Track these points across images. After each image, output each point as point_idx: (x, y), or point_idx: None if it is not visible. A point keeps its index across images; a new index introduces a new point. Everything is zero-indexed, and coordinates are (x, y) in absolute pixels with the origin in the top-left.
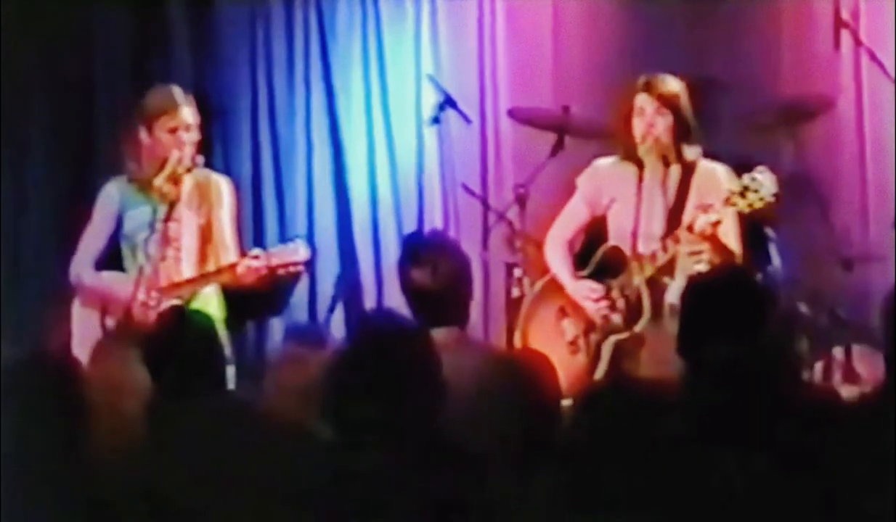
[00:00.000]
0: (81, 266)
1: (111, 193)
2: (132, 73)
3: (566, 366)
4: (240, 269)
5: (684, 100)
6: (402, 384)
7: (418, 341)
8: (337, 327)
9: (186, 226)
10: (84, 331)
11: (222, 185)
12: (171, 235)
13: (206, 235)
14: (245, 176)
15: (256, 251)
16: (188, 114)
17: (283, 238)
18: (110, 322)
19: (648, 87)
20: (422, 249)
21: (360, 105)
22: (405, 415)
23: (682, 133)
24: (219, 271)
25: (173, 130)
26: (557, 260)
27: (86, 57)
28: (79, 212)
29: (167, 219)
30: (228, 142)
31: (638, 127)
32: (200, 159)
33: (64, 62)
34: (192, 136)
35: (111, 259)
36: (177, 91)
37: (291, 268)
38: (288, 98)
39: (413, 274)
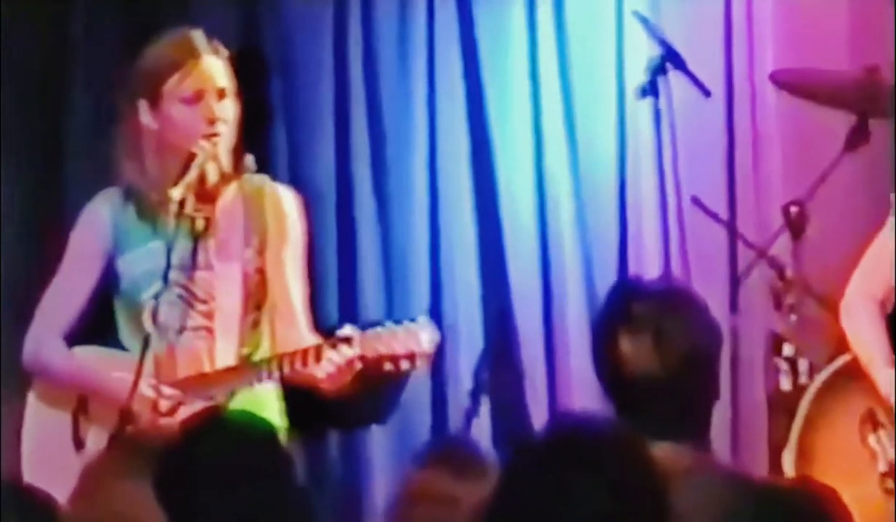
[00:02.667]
0: (44, 337)
1: (99, 217)
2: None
3: (875, 511)
4: (320, 373)
5: None
6: None
7: (635, 463)
8: (484, 441)
9: (225, 277)
10: (44, 444)
11: (287, 205)
12: (197, 292)
13: (257, 292)
14: (326, 194)
15: (347, 330)
16: (217, 68)
17: (391, 305)
18: (94, 433)
19: None
20: (639, 304)
21: (522, 69)
22: None
23: None
24: (283, 360)
25: (196, 97)
26: (864, 330)
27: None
28: (42, 249)
29: (193, 265)
30: (297, 140)
31: None
32: (250, 160)
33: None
34: (227, 111)
35: (96, 327)
36: (196, 35)
37: (404, 364)
38: (398, 67)
39: (622, 347)
